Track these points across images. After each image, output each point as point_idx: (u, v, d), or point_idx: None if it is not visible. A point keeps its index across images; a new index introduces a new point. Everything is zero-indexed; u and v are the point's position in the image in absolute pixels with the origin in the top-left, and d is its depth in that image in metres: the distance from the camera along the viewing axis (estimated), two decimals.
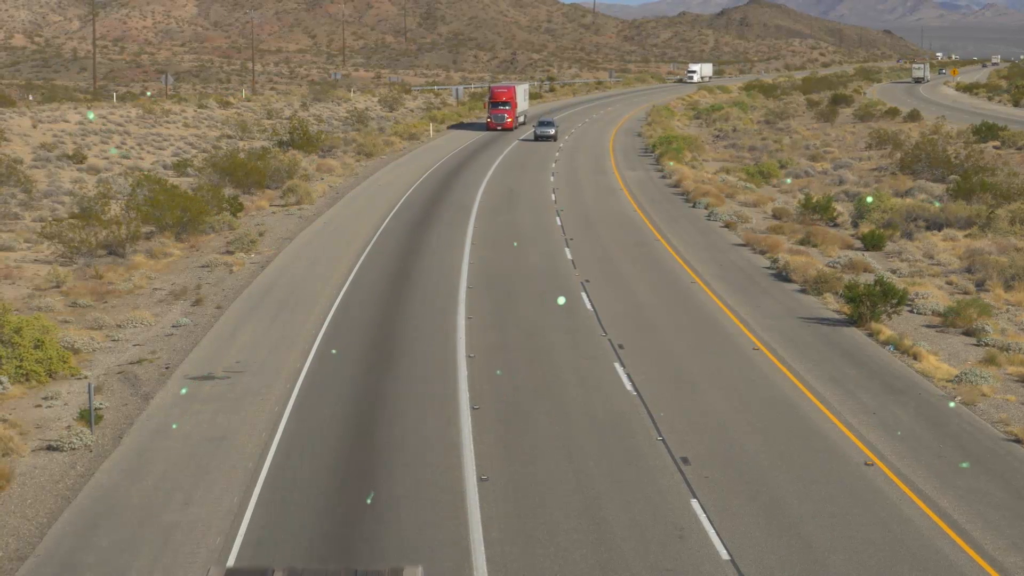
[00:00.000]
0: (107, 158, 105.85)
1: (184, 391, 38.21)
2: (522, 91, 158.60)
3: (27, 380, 38.98)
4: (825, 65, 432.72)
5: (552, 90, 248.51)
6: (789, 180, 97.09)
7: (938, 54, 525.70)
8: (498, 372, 40.91)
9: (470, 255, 62.02)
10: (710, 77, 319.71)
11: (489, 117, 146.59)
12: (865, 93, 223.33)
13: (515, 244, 65.55)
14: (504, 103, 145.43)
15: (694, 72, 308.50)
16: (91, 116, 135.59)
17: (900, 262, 60.42)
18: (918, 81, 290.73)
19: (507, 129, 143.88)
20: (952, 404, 37.69)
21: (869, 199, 74.91)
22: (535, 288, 54.03)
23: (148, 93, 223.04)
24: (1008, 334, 46.09)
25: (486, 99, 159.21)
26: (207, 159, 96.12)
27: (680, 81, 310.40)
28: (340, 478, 31.03)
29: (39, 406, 37.21)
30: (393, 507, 29.02)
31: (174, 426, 34.83)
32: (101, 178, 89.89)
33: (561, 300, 51.00)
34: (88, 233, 61.00)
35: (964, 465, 32.41)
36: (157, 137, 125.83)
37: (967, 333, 46.42)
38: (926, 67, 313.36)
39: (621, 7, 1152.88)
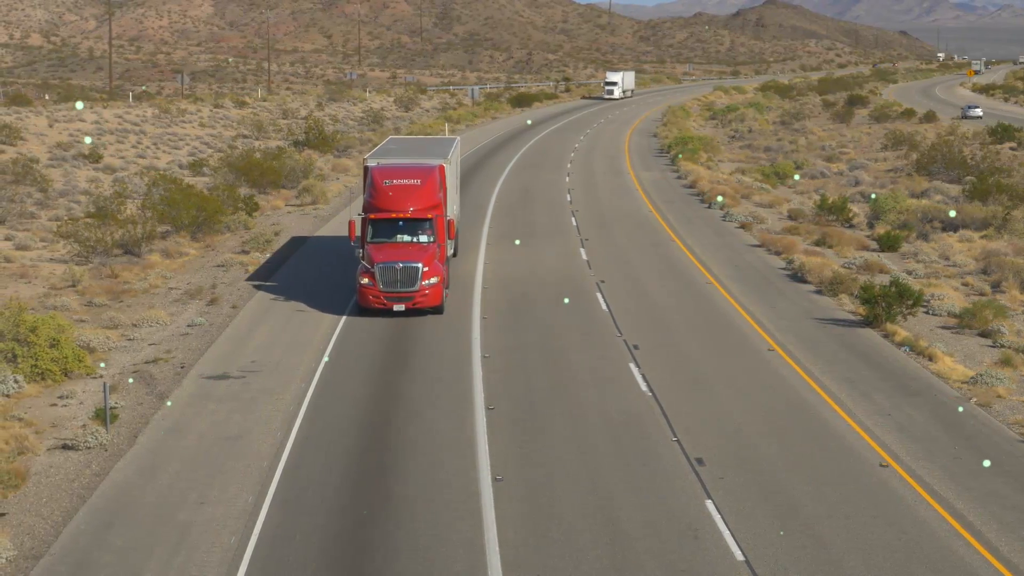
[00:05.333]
0: (122, 157, 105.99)
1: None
2: (453, 160, 58.69)
3: (43, 379, 39.06)
4: (841, 66, 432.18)
5: (568, 90, 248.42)
6: (797, 176, 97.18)
7: (939, 55, 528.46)
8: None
9: (485, 255, 61.99)
10: (632, 91, 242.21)
11: (366, 273, 48.01)
12: (881, 94, 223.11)
13: (517, 242, 65.54)
14: (409, 225, 49.72)
15: (613, 85, 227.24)
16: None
17: (916, 263, 60.27)
18: (977, 73, 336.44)
19: (429, 310, 48.27)
20: (961, 408, 37.58)
21: (873, 195, 74.84)
22: (550, 288, 53.98)
23: (144, 88, 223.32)
24: None
25: (359, 212, 51.26)
26: (223, 159, 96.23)
27: (590, 97, 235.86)
28: (354, 478, 31.06)
29: (54, 405, 37.28)
30: (407, 507, 29.04)
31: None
32: (117, 177, 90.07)
33: (566, 300, 51.08)
34: (104, 232, 61.07)
35: (986, 464, 32.37)
36: (173, 137, 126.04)
37: (983, 335, 46.29)
38: (982, 63, 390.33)
39: (637, 7, 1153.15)
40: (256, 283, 54.75)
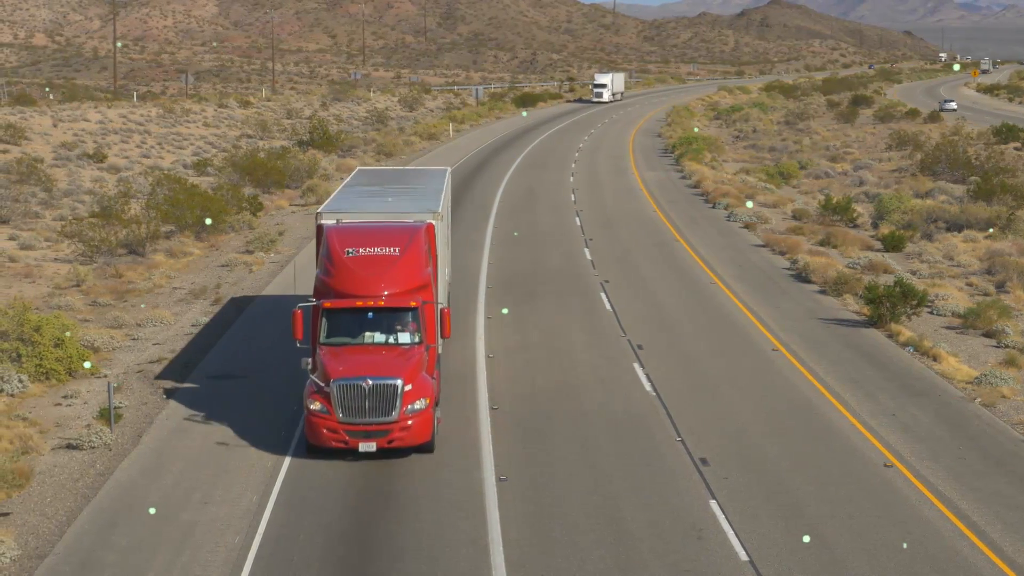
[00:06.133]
0: (126, 157, 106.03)
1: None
2: (445, 208, 43.21)
3: (47, 379, 39.08)
4: (845, 66, 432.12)
5: (572, 90, 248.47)
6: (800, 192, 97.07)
7: (941, 55, 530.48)
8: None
9: (489, 255, 62.02)
10: (623, 93, 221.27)
11: (317, 394, 32.18)
12: (885, 94, 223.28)
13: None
14: (383, 318, 33.92)
15: (603, 88, 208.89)
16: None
17: (920, 263, 60.24)
18: (984, 72, 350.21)
19: (412, 448, 32.64)
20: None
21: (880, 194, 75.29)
22: (554, 288, 53.99)
23: (147, 88, 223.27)
24: None
25: (310, 296, 34.93)
26: (227, 158, 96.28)
27: (581, 100, 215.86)
28: (358, 477, 31.03)
29: (59, 405, 37.30)
30: (412, 507, 29.04)
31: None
32: (121, 177, 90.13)
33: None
34: (108, 232, 61.13)
35: None
36: (177, 136, 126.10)
37: (987, 335, 46.27)
38: (990, 62, 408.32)
39: (641, 7, 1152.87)
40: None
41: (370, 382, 31.61)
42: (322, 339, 33.25)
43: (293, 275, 49.01)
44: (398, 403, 31.61)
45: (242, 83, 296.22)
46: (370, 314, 33.52)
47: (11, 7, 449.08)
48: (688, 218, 75.70)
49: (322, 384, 31.93)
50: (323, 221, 37.56)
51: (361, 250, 34.33)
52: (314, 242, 39.97)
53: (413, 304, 33.57)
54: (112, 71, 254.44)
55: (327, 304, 33.46)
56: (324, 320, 33.41)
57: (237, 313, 49.09)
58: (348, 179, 48.65)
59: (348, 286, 33.66)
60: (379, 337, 33.43)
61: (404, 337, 33.41)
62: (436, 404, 33.10)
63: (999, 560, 26.50)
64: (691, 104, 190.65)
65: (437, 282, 36.14)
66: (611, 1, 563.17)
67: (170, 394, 38.13)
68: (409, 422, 31.72)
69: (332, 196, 43.37)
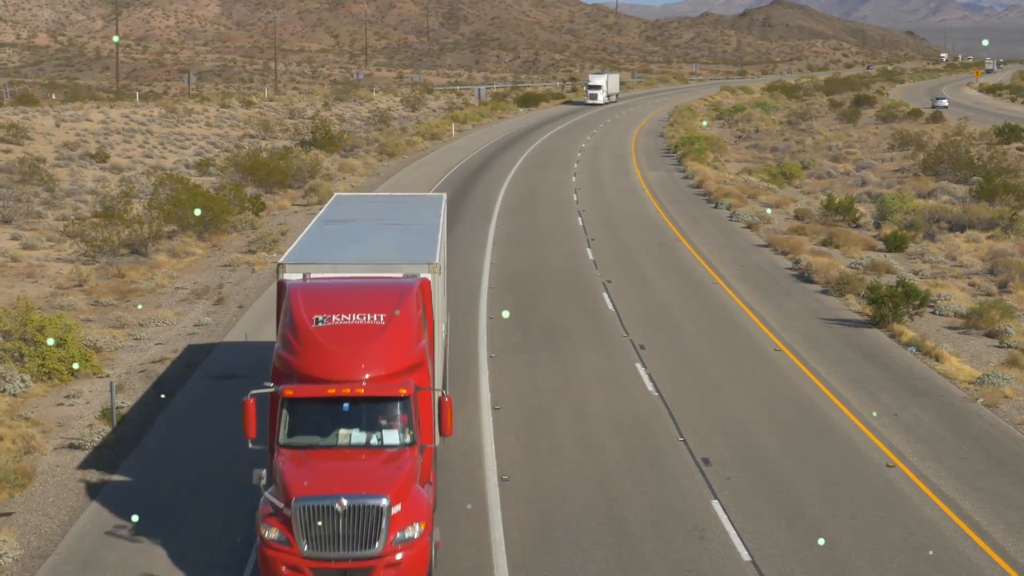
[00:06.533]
0: (129, 157, 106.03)
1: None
2: (442, 251, 32.89)
3: (49, 378, 39.09)
4: (848, 66, 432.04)
5: (574, 90, 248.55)
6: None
7: (942, 55, 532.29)
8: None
9: (492, 255, 62.01)
10: (617, 95, 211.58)
11: (273, 517, 23.72)
12: (888, 94, 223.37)
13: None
14: (361, 411, 25.00)
15: (597, 89, 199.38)
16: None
17: (922, 263, 60.24)
18: (989, 71, 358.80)
19: None
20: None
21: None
22: (557, 288, 53.99)
23: (149, 88, 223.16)
24: None
25: (266, 383, 25.82)
26: (229, 158, 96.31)
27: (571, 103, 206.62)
28: None
29: (61, 404, 37.31)
30: None
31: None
32: (124, 177, 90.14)
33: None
34: (110, 232, 61.16)
35: None
36: (179, 136, 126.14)
37: (989, 335, 46.26)
38: (996, 63, 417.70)
39: (643, 7, 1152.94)
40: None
41: (345, 502, 23.32)
42: (281, 440, 24.92)
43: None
44: (383, 530, 23.38)
45: (244, 83, 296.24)
46: (346, 406, 25.00)
47: (14, 7, 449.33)
48: (690, 218, 75.70)
49: (280, 504, 23.79)
50: (285, 276, 28.34)
51: (334, 318, 25.76)
52: (274, 300, 30.44)
53: (403, 392, 25.03)
54: (114, 71, 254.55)
55: (288, 392, 24.95)
56: (285, 414, 24.98)
57: (239, 312, 49.12)
58: (321, 211, 39.34)
59: (317, 367, 25.17)
60: (358, 437, 24.95)
61: (391, 437, 24.95)
62: (433, 510, 25.25)
63: (1001, 560, 26.50)
64: (693, 104, 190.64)
65: (433, 357, 27.90)
66: (613, 1, 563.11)
67: (172, 394, 38.14)
68: (398, 556, 23.50)
69: (299, 238, 34.07)
